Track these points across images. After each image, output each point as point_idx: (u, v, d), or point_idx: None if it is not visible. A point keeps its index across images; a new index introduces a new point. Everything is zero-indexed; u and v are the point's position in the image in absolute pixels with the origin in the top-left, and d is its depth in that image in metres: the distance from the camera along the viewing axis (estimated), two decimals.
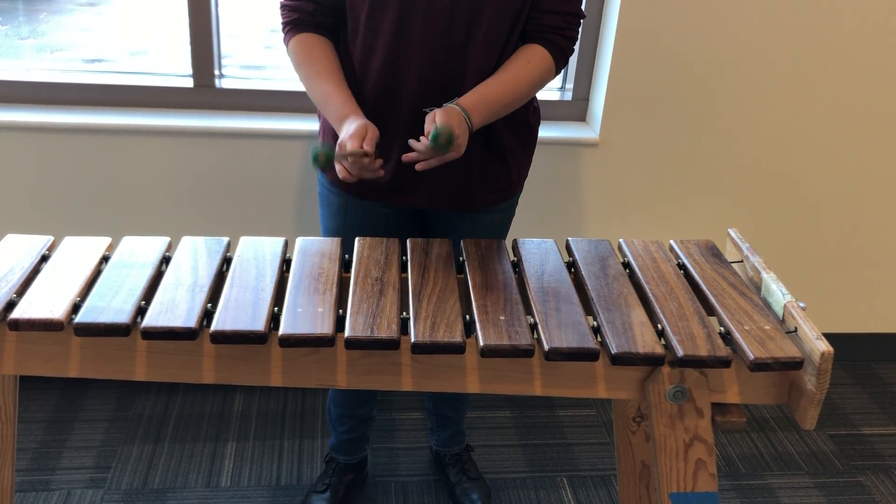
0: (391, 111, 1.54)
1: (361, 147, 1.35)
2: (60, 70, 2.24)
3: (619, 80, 2.21)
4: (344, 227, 1.68)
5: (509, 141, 1.62)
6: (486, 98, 1.48)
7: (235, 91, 2.22)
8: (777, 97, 2.28)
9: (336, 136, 1.56)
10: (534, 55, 1.53)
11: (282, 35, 1.58)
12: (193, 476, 2.09)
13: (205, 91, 2.21)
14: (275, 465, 2.14)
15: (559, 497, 2.09)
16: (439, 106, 1.47)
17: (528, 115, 1.64)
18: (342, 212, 1.68)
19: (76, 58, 2.31)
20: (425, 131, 1.39)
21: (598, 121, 2.26)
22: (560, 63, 1.57)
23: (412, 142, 1.40)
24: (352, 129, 1.39)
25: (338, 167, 1.39)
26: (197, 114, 2.20)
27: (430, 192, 1.61)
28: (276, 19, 1.60)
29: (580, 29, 1.59)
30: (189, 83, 2.21)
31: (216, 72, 2.21)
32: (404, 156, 1.41)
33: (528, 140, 1.67)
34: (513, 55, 1.55)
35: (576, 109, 2.35)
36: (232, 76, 2.25)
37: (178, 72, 2.24)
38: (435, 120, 1.38)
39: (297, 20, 1.54)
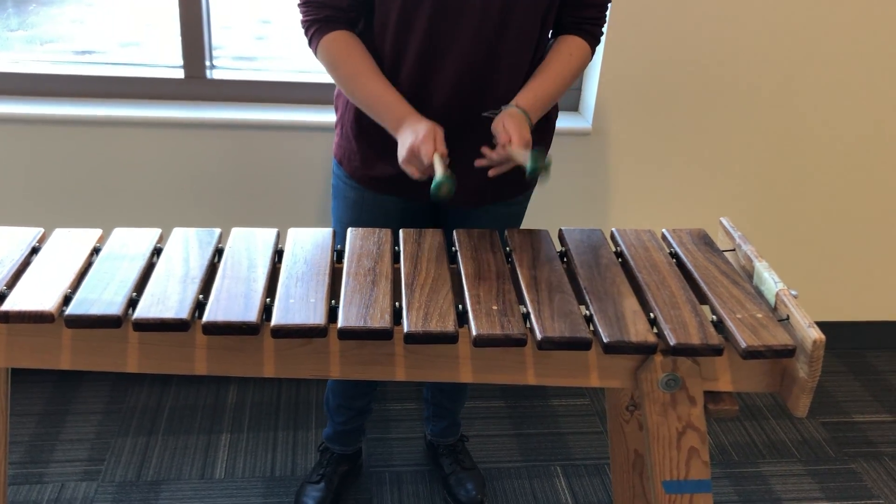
0: (420, 108, 1.52)
1: (435, 151, 1.38)
2: (51, 62, 2.23)
3: (611, 69, 2.21)
4: (358, 221, 1.67)
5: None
6: (540, 95, 1.51)
7: (226, 82, 2.21)
8: (769, 87, 2.28)
9: (366, 143, 1.57)
10: (575, 47, 1.56)
11: (305, 35, 1.52)
12: (187, 468, 2.09)
13: (196, 82, 2.20)
14: (269, 456, 2.14)
15: (553, 486, 2.10)
16: (492, 108, 1.51)
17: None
18: (357, 205, 1.67)
19: (66, 49, 2.29)
20: (497, 137, 1.43)
21: (591, 110, 2.26)
22: (594, 50, 1.61)
23: (486, 150, 1.44)
24: (421, 134, 1.40)
25: (409, 169, 1.42)
26: (188, 105, 2.19)
27: None
28: (289, 17, 1.54)
29: None
30: (180, 74, 2.20)
31: (207, 63, 2.19)
32: (477, 161, 1.45)
33: (547, 132, 1.67)
34: (553, 48, 1.57)
35: (568, 99, 2.35)
36: (223, 67, 2.24)
37: (169, 63, 2.22)
38: (514, 142, 1.40)
39: (328, 17, 1.49)
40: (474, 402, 2.39)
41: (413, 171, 1.42)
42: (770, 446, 2.29)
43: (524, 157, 1.35)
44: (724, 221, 1.53)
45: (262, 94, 2.22)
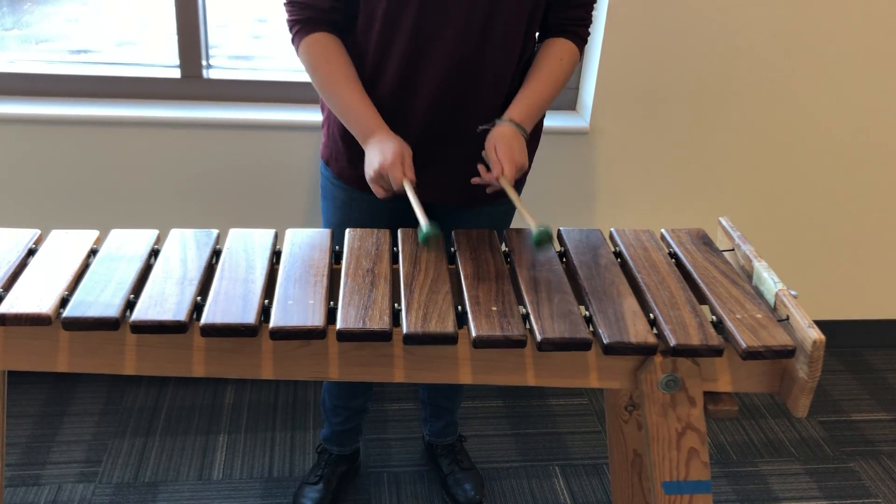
0: (406, 108, 1.52)
1: (404, 175, 1.39)
2: (46, 61, 2.22)
3: (609, 69, 2.20)
4: (348, 221, 1.67)
5: None
6: (532, 106, 1.52)
7: (223, 81, 2.20)
8: (768, 86, 2.28)
9: (353, 143, 1.55)
10: (564, 52, 1.56)
11: (289, 34, 1.52)
12: (185, 469, 2.08)
13: (192, 82, 2.19)
14: (267, 457, 2.14)
15: (552, 486, 2.09)
16: (488, 121, 1.51)
17: None
18: (347, 206, 1.67)
19: (62, 49, 2.28)
20: (490, 164, 1.44)
21: (589, 110, 2.26)
22: (583, 51, 1.61)
23: (482, 169, 1.45)
24: (389, 157, 1.40)
25: (375, 188, 1.43)
26: (184, 105, 2.18)
27: (435, 187, 1.60)
28: (282, 16, 1.53)
29: None
30: (176, 74, 2.19)
31: (203, 62, 2.19)
32: (473, 179, 1.47)
33: (534, 132, 1.67)
34: (542, 53, 1.56)
35: (566, 98, 2.34)
36: (219, 66, 2.23)
37: (165, 62, 2.22)
38: (506, 172, 1.41)
39: (310, 18, 1.48)
40: (472, 403, 2.38)
41: (378, 191, 1.43)
42: (768, 445, 2.29)
43: (528, 221, 1.36)
44: (723, 221, 1.52)
45: (259, 93, 2.22)
